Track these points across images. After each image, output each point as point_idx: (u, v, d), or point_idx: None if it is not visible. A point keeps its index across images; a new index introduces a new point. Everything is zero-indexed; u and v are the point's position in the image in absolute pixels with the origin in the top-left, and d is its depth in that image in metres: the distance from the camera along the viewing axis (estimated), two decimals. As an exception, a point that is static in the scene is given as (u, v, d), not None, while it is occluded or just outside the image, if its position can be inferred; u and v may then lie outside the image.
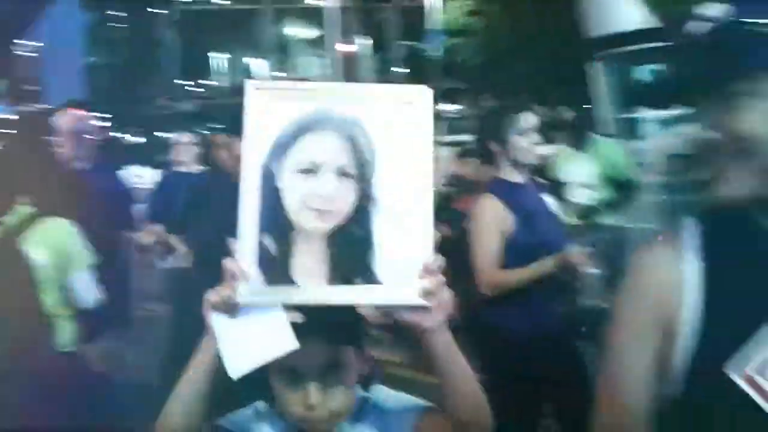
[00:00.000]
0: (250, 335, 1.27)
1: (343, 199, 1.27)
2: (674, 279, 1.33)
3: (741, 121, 1.25)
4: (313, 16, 36.01)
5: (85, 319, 2.69)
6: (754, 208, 1.29)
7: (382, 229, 1.27)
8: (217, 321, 1.27)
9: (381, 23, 32.02)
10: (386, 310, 1.29)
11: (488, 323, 3.00)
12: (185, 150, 4.95)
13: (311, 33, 37.66)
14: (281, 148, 1.27)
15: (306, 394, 1.44)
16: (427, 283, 1.25)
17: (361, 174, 1.27)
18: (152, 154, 16.56)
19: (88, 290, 2.73)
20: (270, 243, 1.25)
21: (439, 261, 1.26)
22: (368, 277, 1.26)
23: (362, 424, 1.52)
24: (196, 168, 4.82)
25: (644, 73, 9.03)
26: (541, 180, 3.40)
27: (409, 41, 29.73)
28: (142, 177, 10.36)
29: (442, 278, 1.26)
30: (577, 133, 5.45)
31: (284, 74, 38.45)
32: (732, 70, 1.25)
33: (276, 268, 1.24)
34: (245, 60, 40.08)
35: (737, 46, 1.27)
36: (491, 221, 2.98)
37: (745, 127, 1.25)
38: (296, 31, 39.84)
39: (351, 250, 1.26)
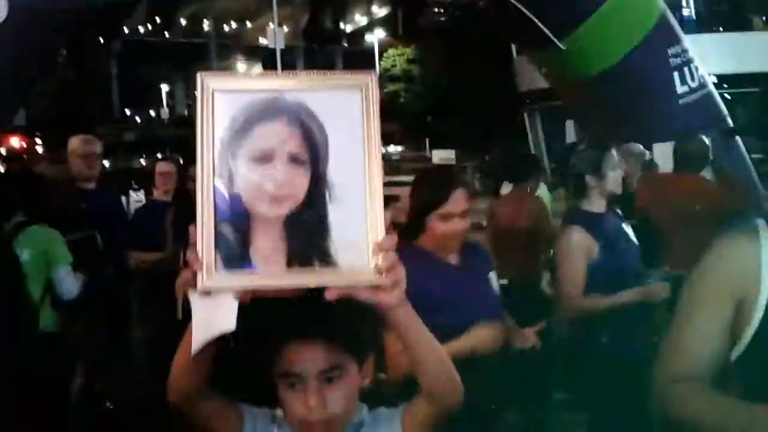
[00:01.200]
0: (204, 315, 1.32)
1: (296, 185, 1.29)
2: (752, 261, 1.47)
3: None
4: (258, 54, 36.35)
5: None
6: None
7: (336, 212, 1.30)
8: (192, 297, 1.32)
9: (324, 65, 32.53)
10: (346, 291, 1.28)
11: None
12: (165, 179, 4.83)
13: (256, 69, 37.97)
14: (234, 137, 1.30)
15: (306, 396, 1.48)
16: (381, 262, 1.27)
17: (313, 160, 1.29)
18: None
19: (68, 284, 3.29)
20: (228, 230, 1.28)
21: (392, 240, 1.28)
22: (325, 259, 1.28)
23: (374, 417, 1.58)
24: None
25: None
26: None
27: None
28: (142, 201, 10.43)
29: (394, 256, 1.27)
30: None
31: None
32: None
33: (235, 254, 1.27)
34: (190, 92, 40.16)
35: None
36: (578, 250, 3.17)
37: None
38: (241, 68, 40.23)
39: (307, 234, 1.28)
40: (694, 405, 1.45)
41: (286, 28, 26.56)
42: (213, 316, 1.30)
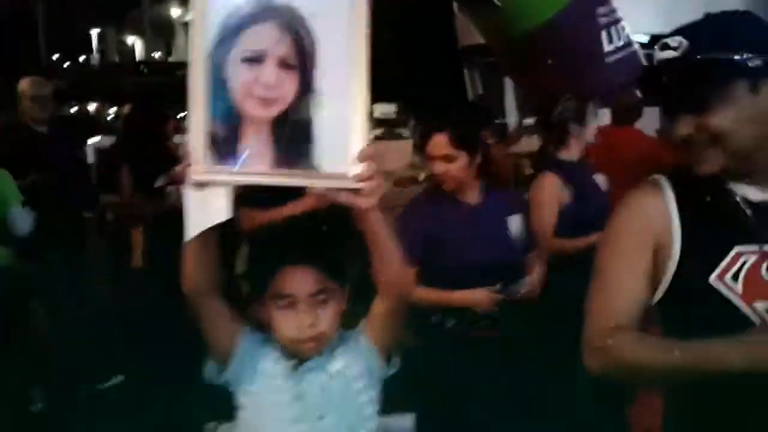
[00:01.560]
0: (201, 206, 1.37)
1: (285, 87, 1.32)
2: (662, 211, 1.58)
3: (710, 120, 1.49)
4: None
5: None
6: (722, 175, 1.55)
7: (322, 118, 1.32)
8: (185, 190, 1.39)
9: None
10: (325, 193, 1.35)
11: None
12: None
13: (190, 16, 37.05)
14: (226, 37, 1.31)
15: (299, 317, 1.64)
16: (362, 169, 1.33)
17: (302, 64, 1.32)
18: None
19: (19, 222, 3.42)
20: (219, 128, 1.32)
21: (372, 148, 1.35)
22: (309, 162, 1.32)
23: (338, 349, 1.73)
24: None
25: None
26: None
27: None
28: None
29: (374, 164, 1.34)
30: None
31: (163, 56, 37.65)
32: (697, 87, 1.48)
33: (225, 150, 1.32)
34: (122, 38, 38.99)
35: (698, 68, 1.47)
36: (551, 196, 3.33)
37: (712, 125, 1.49)
38: (176, 13, 39.07)
39: (293, 137, 1.32)
40: (631, 352, 1.51)
41: None
42: (208, 206, 1.36)
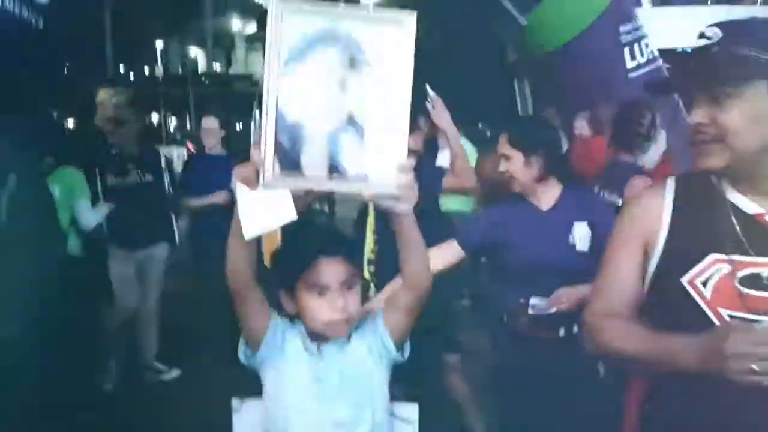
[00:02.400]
0: (263, 207, 1.51)
1: (342, 106, 1.45)
2: (658, 210, 1.62)
3: (725, 114, 1.48)
4: (254, 11, 36.06)
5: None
6: (721, 175, 1.56)
7: (370, 132, 1.46)
8: (240, 191, 1.50)
9: None
10: (371, 198, 1.51)
11: None
12: (211, 134, 5.22)
13: (251, 29, 37.81)
14: (294, 58, 1.43)
15: (332, 300, 1.76)
16: (402, 179, 1.47)
17: (357, 85, 1.45)
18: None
19: (86, 216, 3.93)
20: (285, 139, 1.44)
21: (411, 162, 1.47)
22: (358, 171, 1.46)
23: (357, 333, 1.83)
24: (220, 150, 5.20)
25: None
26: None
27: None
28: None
29: (412, 176, 1.48)
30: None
31: (223, 68, 38.58)
32: (722, 77, 1.48)
33: (289, 160, 1.43)
34: (184, 49, 40.01)
35: (727, 60, 1.48)
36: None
37: (725, 119, 1.48)
38: (236, 24, 40.00)
39: (346, 150, 1.46)
40: (613, 337, 1.59)
41: None
42: (274, 209, 1.52)
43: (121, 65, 37.81)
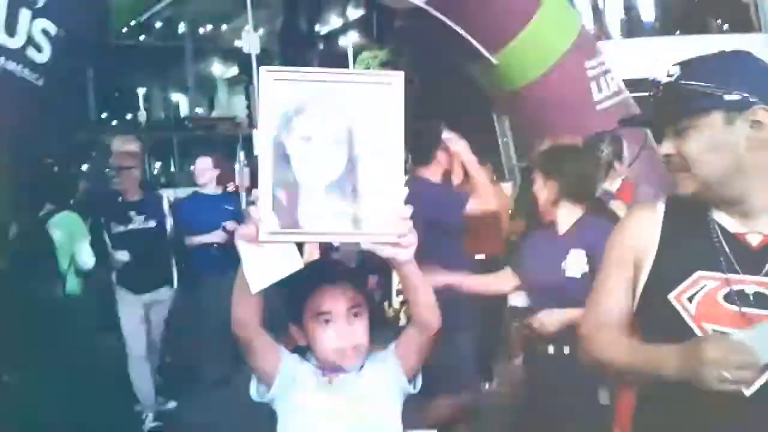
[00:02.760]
0: (267, 260, 1.51)
1: (336, 161, 1.48)
2: (649, 228, 1.69)
3: (686, 145, 1.58)
4: (234, 57, 36.35)
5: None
6: (701, 201, 1.64)
7: (366, 185, 1.48)
8: (243, 248, 1.52)
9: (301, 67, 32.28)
10: (371, 248, 1.51)
11: None
12: (206, 173, 5.46)
13: (232, 72, 38.07)
14: (287, 120, 1.47)
15: (339, 327, 1.77)
16: (401, 227, 1.49)
17: (349, 141, 1.48)
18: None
19: (84, 257, 4.11)
20: (281, 195, 1.47)
21: (409, 210, 1.49)
22: (356, 221, 1.48)
23: (368, 366, 1.84)
24: (214, 189, 5.49)
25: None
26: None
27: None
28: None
29: (410, 223, 1.50)
30: None
31: (206, 111, 38.77)
32: (683, 111, 1.57)
33: (286, 214, 1.46)
34: (167, 95, 40.18)
35: (686, 95, 1.56)
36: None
37: (687, 149, 1.58)
38: (219, 70, 40.30)
39: (343, 201, 1.48)
40: (606, 348, 1.66)
41: (261, 30, 26.63)
42: (279, 259, 1.52)
43: (104, 113, 37.80)
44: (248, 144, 15.01)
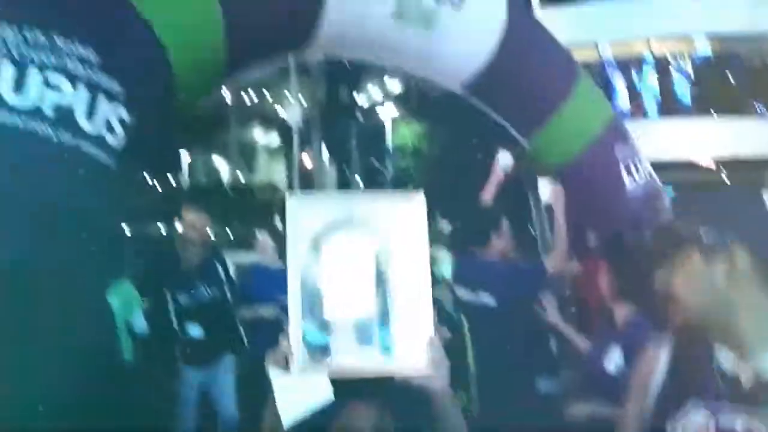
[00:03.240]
0: (299, 391, 1.50)
1: (365, 290, 1.47)
2: (657, 361, 1.87)
3: (671, 281, 1.65)
4: (276, 123, 37.12)
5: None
6: (696, 334, 1.71)
7: (395, 311, 1.48)
8: (274, 375, 1.53)
9: (342, 139, 32.99)
10: (404, 378, 1.49)
11: None
12: (265, 245, 5.67)
13: (274, 140, 38.78)
14: (315, 248, 1.45)
15: None
16: (432, 355, 1.47)
17: (378, 269, 1.47)
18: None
19: (138, 323, 4.39)
20: (312, 327, 1.48)
21: (439, 336, 1.48)
22: (386, 350, 1.48)
23: None
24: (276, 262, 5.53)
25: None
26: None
27: (367, 157, 31.30)
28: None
29: (442, 350, 1.48)
30: None
31: (247, 176, 39.31)
32: (669, 251, 1.65)
33: (317, 346, 1.48)
34: (207, 160, 40.87)
35: (674, 236, 1.66)
36: None
37: (670, 285, 1.65)
38: (258, 136, 41.02)
39: (373, 331, 1.48)
40: None
41: (302, 98, 27.16)
42: (309, 391, 1.51)
43: (146, 175, 38.26)
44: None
